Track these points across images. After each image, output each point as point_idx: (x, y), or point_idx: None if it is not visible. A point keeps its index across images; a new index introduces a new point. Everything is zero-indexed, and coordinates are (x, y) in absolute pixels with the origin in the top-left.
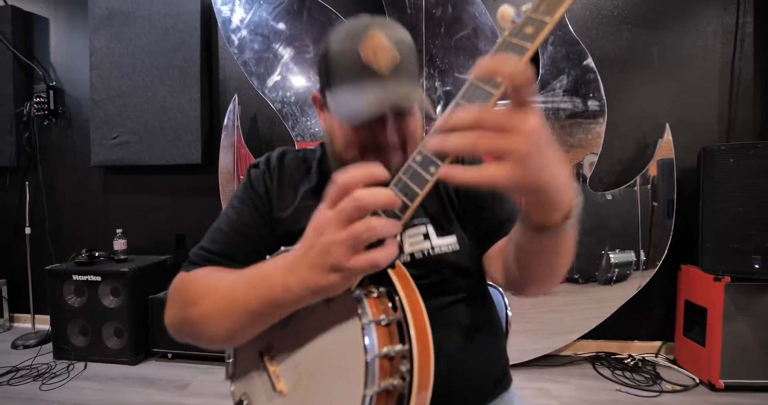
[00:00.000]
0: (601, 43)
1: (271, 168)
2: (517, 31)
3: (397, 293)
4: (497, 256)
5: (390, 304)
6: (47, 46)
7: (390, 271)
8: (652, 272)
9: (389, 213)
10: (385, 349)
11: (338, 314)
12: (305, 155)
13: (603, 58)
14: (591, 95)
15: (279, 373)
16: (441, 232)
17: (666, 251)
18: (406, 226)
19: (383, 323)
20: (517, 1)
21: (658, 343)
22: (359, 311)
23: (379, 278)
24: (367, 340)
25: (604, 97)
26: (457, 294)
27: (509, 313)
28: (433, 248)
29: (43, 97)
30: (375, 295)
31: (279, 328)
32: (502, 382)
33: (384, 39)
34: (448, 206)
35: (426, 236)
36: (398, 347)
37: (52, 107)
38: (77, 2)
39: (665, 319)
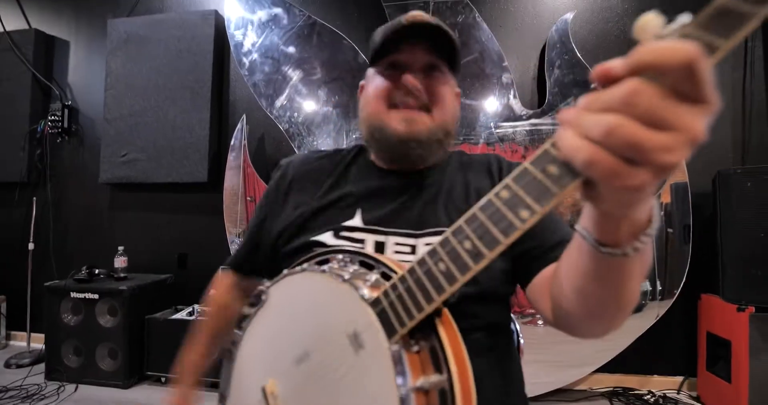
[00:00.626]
0: None
1: (293, 165)
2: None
3: (443, 351)
4: (544, 286)
5: (433, 364)
6: (66, 67)
7: (437, 321)
8: (669, 302)
9: (453, 256)
10: None
11: (369, 368)
12: (338, 152)
13: None
14: None
15: None
16: None
17: (684, 279)
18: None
19: (424, 389)
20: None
21: (679, 379)
22: (397, 372)
23: (422, 329)
24: None
25: None
26: (474, 320)
27: (521, 341)
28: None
29: (57, 116)
30: (416, 349)
31: (289, 365)
32: None
33: (426, 15)
34: None
35: None
36: None
37: (65, 125)
38: (98, 26)
39: (686, 352)
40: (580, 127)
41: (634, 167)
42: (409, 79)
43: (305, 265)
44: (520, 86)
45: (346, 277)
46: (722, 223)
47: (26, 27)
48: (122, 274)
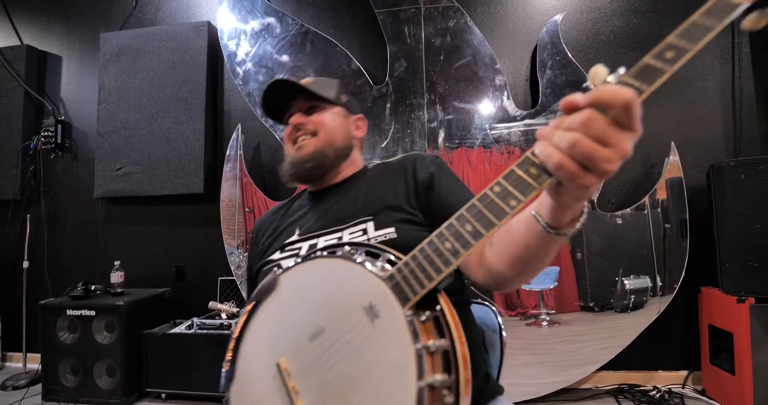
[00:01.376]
0: None
1: (259, 222)
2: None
3: (445, 319)
4: (476, 257)
5: (436, 331)
6: (59, 82)
7: (438, 296)
8: (670, 297)
9: (457, 236)
10: (430, 379)
11: (385, 333)
12: (289, 200)
13: None
14: None
15: (299, 390)
16: (380, 225)
17: (683, 274)
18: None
19: (431, 350)
20: None
21: (684, 373)
22: (413, 334)
23: (427, 303)
24: (420, 366)
25: None
26: None
27: (504, 334)
28: (369, 240)
29: (50, 131)
30: (423, 319)
31: (304, 340)
32: (482, 396)
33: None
34: (394, 204)
35: (364, 231)
36: (441, 377)
37: (59, 141)
38: (90, 41)
39: (689, 346)
40: (552, 140)
41: (587, 171)
42: (292, 119)
43: (317, 253)
44: (513, 88)
45: (359, 260)
46: (718, 216)
47: (18, 43)
48: (119, 290)
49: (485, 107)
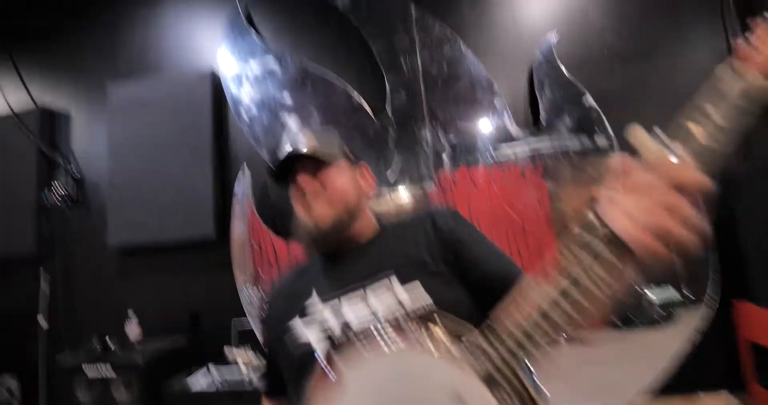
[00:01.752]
0: (595, 80)
1: (271, 295)
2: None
3: (528, 393)
4: None
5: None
6: (69, 137)
7: (519, 371)
8: (699, 311)
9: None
10: None
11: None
12: (301, 266)
13: (600, 94)
14: (597, 131)
15: None
16: (403, 279)
17: (710, 285)
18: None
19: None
20: None
21: (726, 395)
22: None
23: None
24: None
25: (611, 131)
26: None
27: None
28: (408, 313)
29: (63, 189)
30: (507, 395)
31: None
32: None
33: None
34: (416, 258)
35: (388, 287)
36: None
37: (72, 196)
38: (97, 96)
39: (728, 364)
40: (635, 217)
41: (668, 249)
42: (301, 183)
43: (381, 344)
44: (513, 107)
45: (426, 344)
46: (741, 224)
47: (32, 105)
48: (136, 344)
49: (487, 129)
